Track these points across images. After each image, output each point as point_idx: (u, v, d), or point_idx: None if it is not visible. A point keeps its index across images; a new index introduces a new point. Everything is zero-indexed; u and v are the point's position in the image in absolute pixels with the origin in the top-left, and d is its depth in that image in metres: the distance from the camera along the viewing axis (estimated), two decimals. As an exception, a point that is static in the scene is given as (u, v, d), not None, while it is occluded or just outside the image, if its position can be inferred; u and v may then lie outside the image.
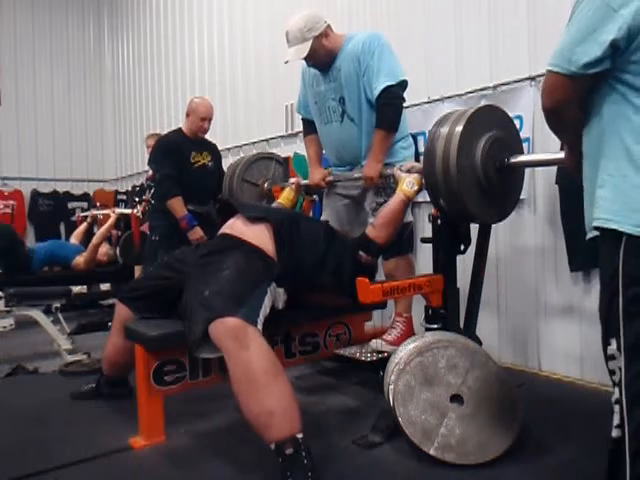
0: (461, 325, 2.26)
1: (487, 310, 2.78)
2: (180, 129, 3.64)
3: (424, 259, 3.13)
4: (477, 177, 1.99)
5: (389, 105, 2.46)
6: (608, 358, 1.18)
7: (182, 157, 3.47)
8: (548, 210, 2.79)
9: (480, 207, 2.05)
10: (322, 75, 2.65)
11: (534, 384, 2.63)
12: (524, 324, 2.92)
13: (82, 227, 4.91)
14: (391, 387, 1.87)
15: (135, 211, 4.46)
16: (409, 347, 1.98)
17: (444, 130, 2.00)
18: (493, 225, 2.34)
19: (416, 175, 2.25)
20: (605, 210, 1.16)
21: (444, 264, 2.23)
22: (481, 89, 3.00)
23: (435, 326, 2.15)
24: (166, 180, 3.41)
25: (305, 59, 2.59)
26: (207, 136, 3.70)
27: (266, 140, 4.62)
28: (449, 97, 3.16)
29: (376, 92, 2.45)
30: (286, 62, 2.60)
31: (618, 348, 1.14)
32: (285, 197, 2.88)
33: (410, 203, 2.34)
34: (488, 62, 3.02)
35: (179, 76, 6.21)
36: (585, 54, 1.13)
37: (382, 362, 2.21)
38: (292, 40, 2.55)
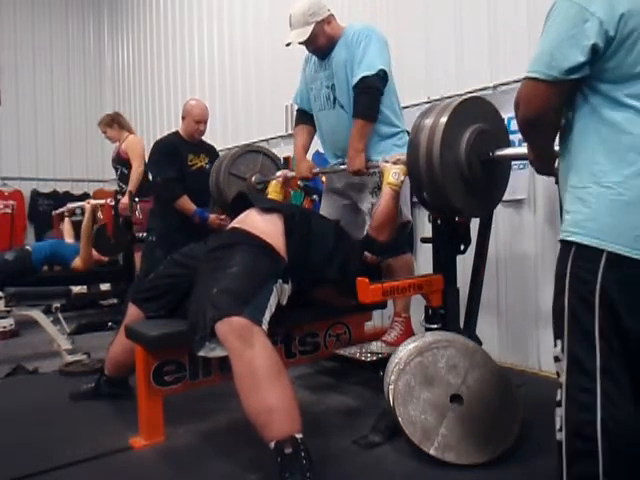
0: (461, 325, 2.26)
1: (487, 310, 2.78)
2: (177, 132, 3.65)
3: (424, 259, 3.13)
4: (461, 170, 1.96)
5: (364, 94, 2.44)
6: (554, 360, 1.20)
7: (179, 160, 3.47)
8: (548, 210, 2.79)
9: (464, 200, 2.02)
10: (319, 63, 2.67)
11: (534, 384, 2.63)
12: (524, 324, 2.92)
13: (67, 225, 4.85)
14: (391, 387, 1.87)
15: (109, 200, 4.40)
16: (409, 347, 1.98)
17: (428, 121, 1.96)
18: (493, 225, 2.34)
19: (401, 166, 2.21)
20: (567, 224, 1.18)
21: (444, 264, 2.23)
22: (481, 89, 3.00)
23: (435, 326, 2.15)
24: (168, 183, 3.44)
25: (305, 44, 2.58)
26: (207, 136, 3.71)
27: (266, 140, 4.62)
28: (449, 97, 3.15)
29: (354, 81, 2.45)
30: (287, 44, 2.59)
31: (562, 349, 1.16)
32: (273, 191, 2.86)
33: (401, 194, 2.31)
34: (488, 62, 3.02)
35: (179, 76, 6.21)
36: (566, 59, 1.12)
37: (382, 362, 2.21)
38: (294, 23, 2.55)
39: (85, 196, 7.49)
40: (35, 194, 7.22)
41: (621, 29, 1.09)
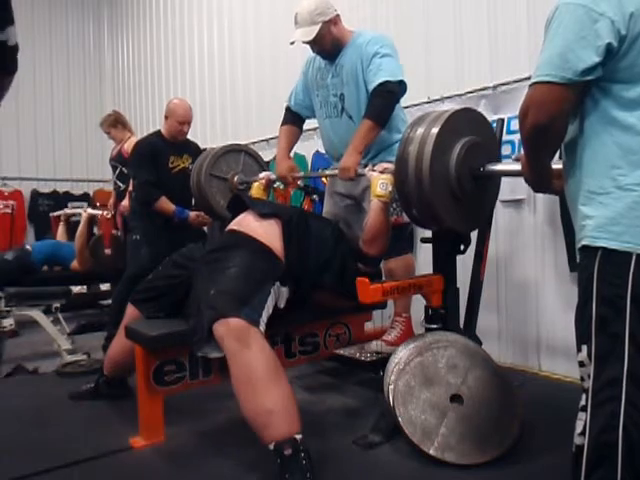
0: (461, 325, 2.26)
1: (487, 310, 2.78)
2: (159, 131, 3.56)
3: (424, 259, 3.13)
4: (451, 184, 1.89)
5: (381, 97, 2.38)
6: (578, 365, 1.18)
7: (160, 162, 3.42)
8: (548, 210, 2.79)
9: (452, 215, 1.94)
10: (326, 69, 2.63)
11: (534, 384, 2.63)
12: (524, 324, 2.92)
13: (61, 230, 4.86)
14: (391, 387, 1.87)
15: (105, 213, 4.38)
16: (409, 347, 1.98)
17: (418, 133, 1.89)
18: (493, 225, 2.33)
19: (388, 175, 2.15)
20: (590, 229, 1.16)
21: (444, 264, 2.23)
22: (481, 89, 3.00)
23: (435, 326, 2.15)
24: (144, 186, 3.39)
25: (310, 44, 2.54)
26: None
27: (266, 140, 4.61)
28: (449, 97, 3.16)
29: (373, 85, 2.40)
30: (292, 43, 2.54)
31: (588, 355, 1.15)
32: (255, 193, 2.82)
33: (391, 204, 2.26)
34: (488, 62, 3.02)
35: (179, 76, 6.21)
36: (581, 60, 1.11)
37: (382, 362, 2.21)
38: (301, 22, 2.51)
39: (85, 196, 7.50)
40: (35, 194, 7.21)
41: (632, 28, 1.09)
